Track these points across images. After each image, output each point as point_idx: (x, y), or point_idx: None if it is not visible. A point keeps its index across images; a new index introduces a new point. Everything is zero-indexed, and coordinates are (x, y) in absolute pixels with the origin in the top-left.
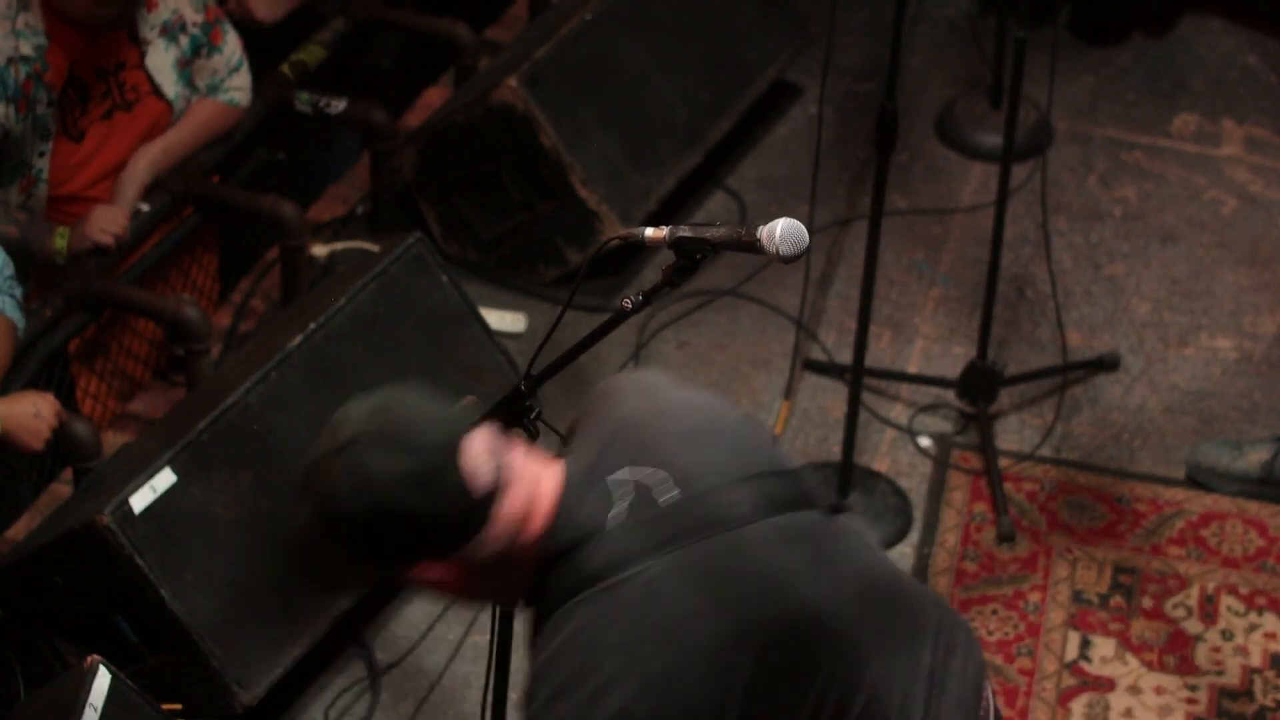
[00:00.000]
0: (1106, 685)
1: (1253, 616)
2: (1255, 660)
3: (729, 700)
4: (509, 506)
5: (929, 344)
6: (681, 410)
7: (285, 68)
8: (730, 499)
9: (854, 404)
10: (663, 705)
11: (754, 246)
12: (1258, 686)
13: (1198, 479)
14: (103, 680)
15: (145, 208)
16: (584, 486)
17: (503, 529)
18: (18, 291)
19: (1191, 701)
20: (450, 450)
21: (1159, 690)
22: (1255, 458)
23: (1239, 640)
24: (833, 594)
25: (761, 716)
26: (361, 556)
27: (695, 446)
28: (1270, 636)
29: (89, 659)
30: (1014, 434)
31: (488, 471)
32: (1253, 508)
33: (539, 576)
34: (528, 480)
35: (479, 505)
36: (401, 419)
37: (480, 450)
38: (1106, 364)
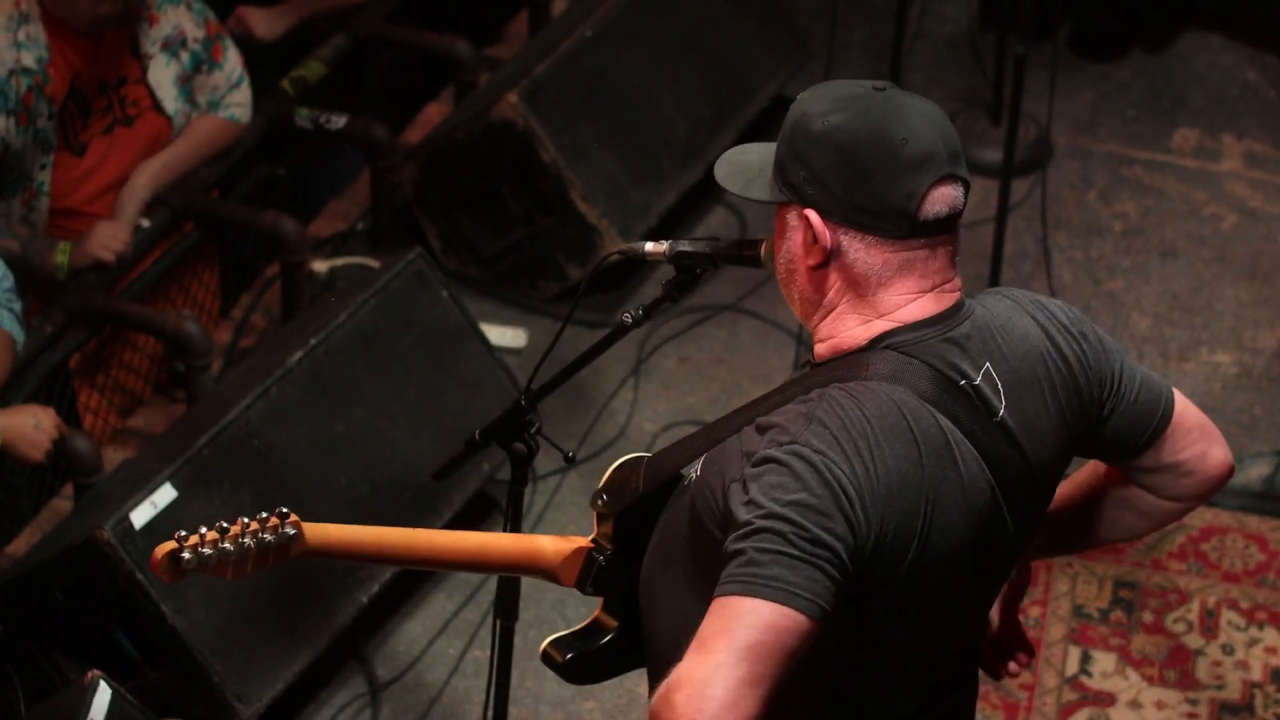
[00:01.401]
0: (1107, 700)
1: (1253, 631)
2: (1256, 674)
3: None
4: (916, 259)
5: None
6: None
7: (285, 84)
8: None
9: None
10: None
11: (754, 261)
12: (1258, 701)
13: None
14: (103, 696)
15: (146, 224)
16: (977, 348)
17: (892, 260)
18: (17, 305)
19: (1192, 716)
20: (932, 164)
21: (1160, 705)
22: (1256, 472)
23: (1240, 655)
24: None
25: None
26: (792, 162)
27: (1033, 406)
28: (1271, 651)
29: (89, 674)
30: None
31: (936, 213)
32: (1253, 522)
33: (869, 346)
34: (936, 273)
35: (906, 220)
36: (919, 112)
37: (948, 193)
38: None
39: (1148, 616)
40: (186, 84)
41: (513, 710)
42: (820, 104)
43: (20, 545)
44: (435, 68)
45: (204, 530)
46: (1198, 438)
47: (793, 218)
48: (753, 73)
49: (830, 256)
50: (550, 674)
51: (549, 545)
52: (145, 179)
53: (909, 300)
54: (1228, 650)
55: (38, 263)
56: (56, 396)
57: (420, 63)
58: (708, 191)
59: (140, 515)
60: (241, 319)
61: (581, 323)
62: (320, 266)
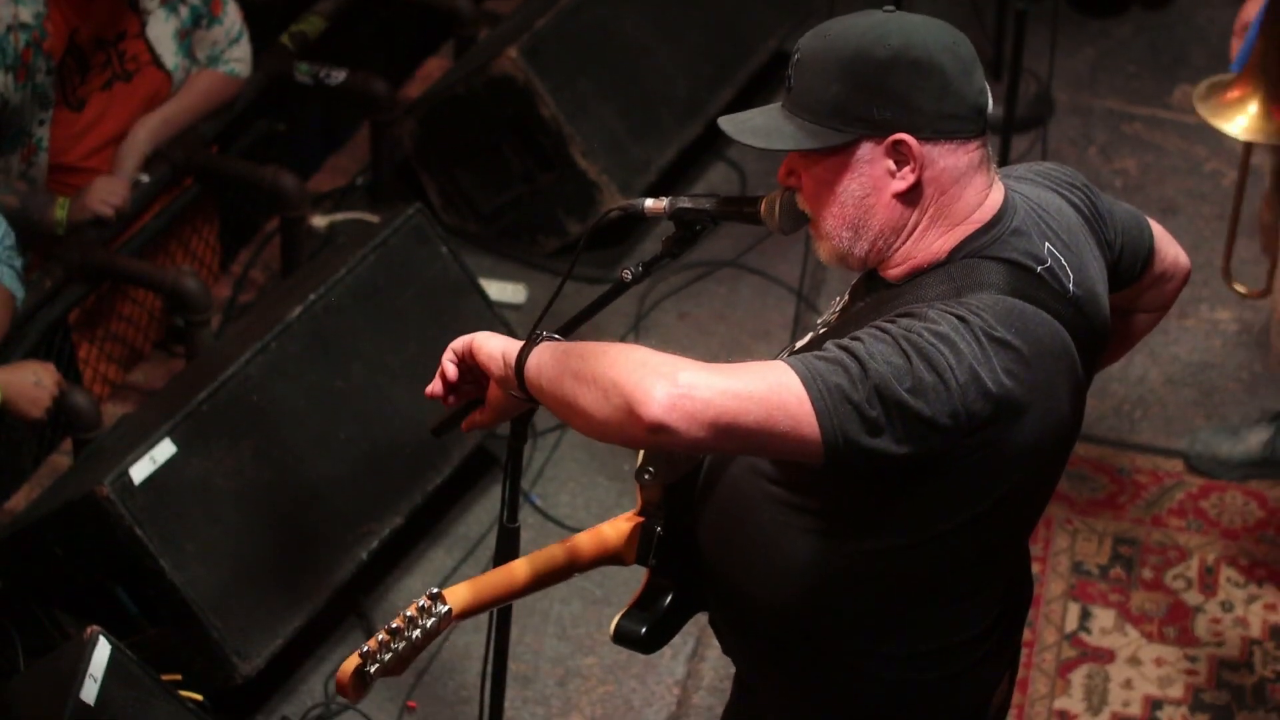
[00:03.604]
0: (1106, 656)
1: (1252, 588)
2: (1255, 631)
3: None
4: (982, 154)
5: None
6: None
7: (285, 38)
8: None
9: None
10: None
11: (754, 218)
12: (1257, 658)
13: (1199, 468)
14: (102, 651)
15: (145, 178)
16: (1035, 229)
17: (973, 158)
18: (18, 262)
19: (1191, 673)
20: (979, 59)
21: (1159, 661)
22: (1255, 439)
23: (1239, 611)
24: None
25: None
26: (861, 96)
27: (1089, 269)
28: (1270, 608)
29: (89, 630)
30: None
31: (991, 104)
32: (1252, 479)
33: (958, 250)
34: (991, 165)
35: (982, 115)
36: (934, 18)
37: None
38: None
39: (1147, 573)
40: (186, 39)
41: (513, 665)
42: (861, 35)
43: (19, 501)
44: (435, 22)
45: (378, 636)
46: (1167, 244)
47: (865, 152)
48: (753, 28)
49: (921, 175)
50: (550, 629)
51: (610, 531)
52: (145, 134)
53: (983, 197)
54: (1227, 607)
55: (37, 218)
56: (56, 352)
57: (420, 17)
58: (708, 147)
59: (140, 470)
60: (241, 274)
61: (581, 278)
62: (320, 222)
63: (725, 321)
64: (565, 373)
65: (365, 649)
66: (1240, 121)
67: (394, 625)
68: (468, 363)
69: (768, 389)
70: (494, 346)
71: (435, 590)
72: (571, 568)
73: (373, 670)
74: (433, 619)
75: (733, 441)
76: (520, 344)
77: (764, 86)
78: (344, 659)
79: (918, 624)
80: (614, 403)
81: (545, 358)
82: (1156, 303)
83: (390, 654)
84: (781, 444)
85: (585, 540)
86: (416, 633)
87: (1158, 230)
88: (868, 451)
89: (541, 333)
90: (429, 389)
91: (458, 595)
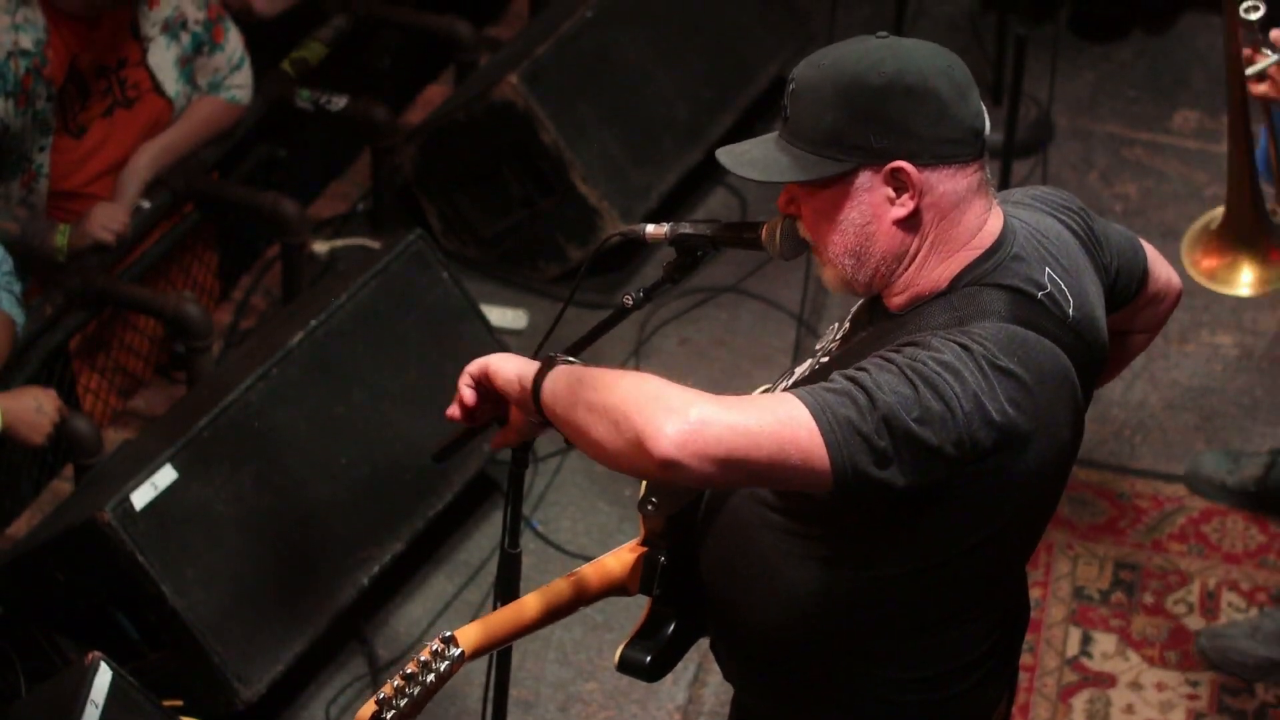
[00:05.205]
0: (1108, 681)
1: (1254, 612)
2: None
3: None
4: (981, 177)
5: None
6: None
7: (286, 65)
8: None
9: None
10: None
11: (755, 243)
12: (1259, 683)
13: (1197, 490)
14: (104, 677)
15: (146, 205)
16: (1034, 254)
17: (973, 182)
18: (16, 287)
19: (1193, 698)
20: (975, 82)
21: (1160, 686)
22: (1249, 473)
23: None
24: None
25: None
26: (857, 124)
27: (1088, 293)
28: None
29: (90, 655)
30: None
31: (989, 126)
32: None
33: (956, 280)
34: (990, 189)
35: (979, 138)
36: (929, 42)
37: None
38: None
39: (1148, 598)
40: (187, 66)
41: (514, 692)
42: (855, 63)
43: (21, 527)
44: (436, 48)
45: (393, 682)
46: (1160, 265)
47: (864, 180)
48: (754, 54)
49: (921, 201)
50: (551, 654)
51: (614, 563)
52: (146, 160)
53: (983, 220)
54: None
55: (37, 244)
56: (56, 378)
57: (421, 43)
58: (709, 173)
59: (141, 496)
60: (242, 300)
61: (582, 304)
62: (320, 248)
63: (726, 347)
64: (579, 403)
65: (381, 696)
66: (1243, 289)
67: (408, 670)
68: (485, 386)
69: (779, 424)
70: (510, 371)
71: (448, 634)
72: (578, 601)
73: (389, 717)
74: (446, 662)
75: (743, 476)
76: (536, 367)
77: (765, 112)
78: (346, 684)
79: (918, 648)
80: (625, 436)
81: (560, 385)
82: (1150, 323)
83: (405, 699)
84: (791, 477)
85: (590, 573)
86: (430, 677)
87: (1150, 251)
88: (875, 483)
89: (556, 355)
90: (449, 411)
91: (469, 636)
